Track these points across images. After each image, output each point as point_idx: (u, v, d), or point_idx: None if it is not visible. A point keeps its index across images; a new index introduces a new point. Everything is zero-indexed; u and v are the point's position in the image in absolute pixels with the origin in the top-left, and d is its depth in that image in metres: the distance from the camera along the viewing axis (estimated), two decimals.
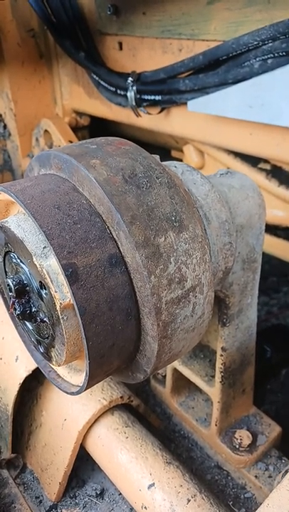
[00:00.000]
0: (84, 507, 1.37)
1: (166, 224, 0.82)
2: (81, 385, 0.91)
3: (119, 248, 0.81)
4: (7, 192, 0.83)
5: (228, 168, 1.76)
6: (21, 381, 1.35)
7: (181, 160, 2.07)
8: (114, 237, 0.81)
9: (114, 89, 1.85)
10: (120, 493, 1.38)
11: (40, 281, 0.83)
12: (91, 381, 0.86)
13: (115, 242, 0.81)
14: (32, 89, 2.17)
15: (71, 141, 2.14)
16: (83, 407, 1.33)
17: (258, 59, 1.36)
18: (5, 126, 2.28)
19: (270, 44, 1.31)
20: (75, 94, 2.18)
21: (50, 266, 0.80)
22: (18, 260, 0.88)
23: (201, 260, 0.85)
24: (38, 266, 0.80)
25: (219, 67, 1.46)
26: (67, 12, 1.87)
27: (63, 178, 0.87)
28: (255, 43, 1.33)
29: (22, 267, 0.87)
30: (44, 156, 0.91)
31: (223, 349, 1.25)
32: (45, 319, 0.87)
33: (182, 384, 1.56)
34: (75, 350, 0.86)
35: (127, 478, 1.24)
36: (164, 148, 2.28)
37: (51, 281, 0.79)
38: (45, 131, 2.20)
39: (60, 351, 0.87)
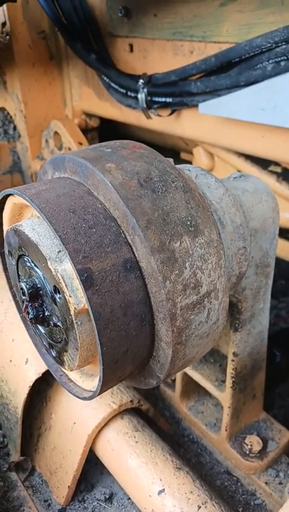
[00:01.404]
0: (92, 511, 1.36)
1: (182, 228, 0.81)
2: (94, 390, 0.91)
3: (134, 253, 0.80)
4: (22, 195, 0.83)
5: (238, 171, 1.75)
6: (31, 384, 1.35)
7: (190, 162, 2.06)
8: (129, 241, 0.81)
9: (124, 91, 1.84)
10: (129, 498, 1.37)
11: (54, 286, 0.82)
12: (104, 387, 0.85)
13: (130, 246, 0.81)
14: (42, 91, 2.17)
15: (81, 143, 2.14)
16: (93, 411, 1.32)
17: (270, 61, 1.35)
18: (15, 128, 2.29)
19: (283, 46, 1.29)
20: (85, 95, 2.17)
21: (64, 270, 0.79)
22: (32, 264, 0.87)
23: (216, 265, 0.84)
24: (52, 270, 0.80)
25: (231, 70, 1.46)
26: (78, 14, 1.87)
27: (78, 181, 0.87)
28: (268, 45, 1.32)
29: (36, 271, 0.87)
30: (58, 159, 0.91)
31: (234, 354, 1.24)
32: (58, 323, 0.86)
33: (192, 388, 1.55)
34: (88, 355, 0.86)
35: (136, 483, 1.23)
36: (173, 151, 2.27)
37: (66, 286, 0.79)
38: (55, 132, 2.20)
39: (73, 356, 0.87)
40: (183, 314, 0.81)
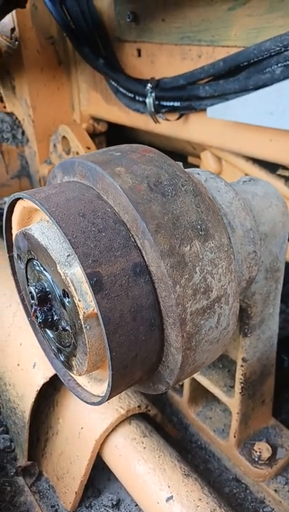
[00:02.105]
0: None
1: (192, 233, 0.81)
2: (102, 395, 0.90)
3: (143, 257, 0.80)
4: (31, 199, 0.83)
5: (246, 175, 1.74)
6: (39, 388, 1.35)
7: (198, 166, 2.05)
8: (139, 245, 0.80)
9: (132, 95, 1.85)
10: (137, 505, 1.35)
11: (63, 290, 0.82)
12: (113, 392, 0.85)
13: (140, 250, 0.80)
14: (50, 96, 2.18)
15: (89, 148, 2.14)
16: (100, 416, 1.31)
17: (279, 65, 1.34)
18: (23, 133, 2.30)
19: None
20: (92, 100, 2.18)
21: (74, 274, 0.79)
22: (41, 268, 0.87)
23: (226, 270, 0.83)
24: (61, 274, 0.80)
25: (240, 74, 1.45)
26: (86, 19, 1.88)
27: (87, 185, 0.87)
28: (278, 48, 1.32)
29: (45, 275, 0.86)
30: (68, 163, 0.90)
31: (243, 360, 1.23)
32: (67, 328, 0.86)
33: (200, 393, 1.54)
34: (97, 360, 0.85)
35: (144, 489, 1.22)
36: (180, 155, 2.27)
37: (75, 290, 0.78)
38: (63, 137, 2.20)
39: (82, 361, 0.86)
40: (193, 319, 0.80)
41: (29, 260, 0.91)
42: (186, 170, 0.94)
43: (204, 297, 0.80)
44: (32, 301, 0.89)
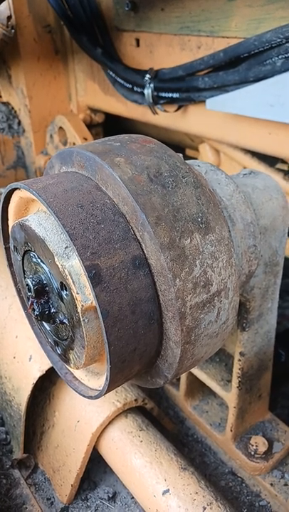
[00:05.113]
0: (96, 510, 1.35)
1: (192, 225, 0.79)
2: (100, 389, 0.89)
3: (143, 250, 0.79)
4: (29, 189, 0.81)
5: (244, 168, 1.73)
6: (35, 381, 1.34)
7: (196, 159, 2.03)
8: (138, 238, 0.79)
9: (130, 86, 1.82)
10: (133, 497, 1.35)
11: (61, 282, 0.80)
12: (111, 386, 0.84)
13: (139, 243, 0.79)
14: (47, 85, 2.15)
15: (86, 138, 2.12)
16: (97, 409, 1.31)
17: (280, 57, 1.33)
18: (19, 123, 2.27)
19: None
20: (90, 90, 2.15)
21: (72, 266, 0.77)
22: (38, 260, 0.85)
23: (227, 264, 0.82)
24: (59, 266, 0.78)
25: (240, 65, 1.43)
26: (84, 8, 1.84)
27: (86, 176, 0.85)
28: (278, 40, 1.30)
29: (42, 267, 0.85)
30: (66, 153, 0.89)
31: (241, 354, 1.22)
32: (64, 321, 0.85)
33: (196, 387, 1.54)
34: (94, 353, 0.84)
35: (141, 483, 1.21)
36: (178, 147, 2.25)
37: (73, 283, 0.77)
38: (60, 127, 2.18)
39: (80, 354, 0.85)
40: (192, 313, 0.79)
41: (26, 252, 0.90)
42: (186, 162, 0.92)
43: (204, 291, 0.79)
44: (29, 294, 0.87)
